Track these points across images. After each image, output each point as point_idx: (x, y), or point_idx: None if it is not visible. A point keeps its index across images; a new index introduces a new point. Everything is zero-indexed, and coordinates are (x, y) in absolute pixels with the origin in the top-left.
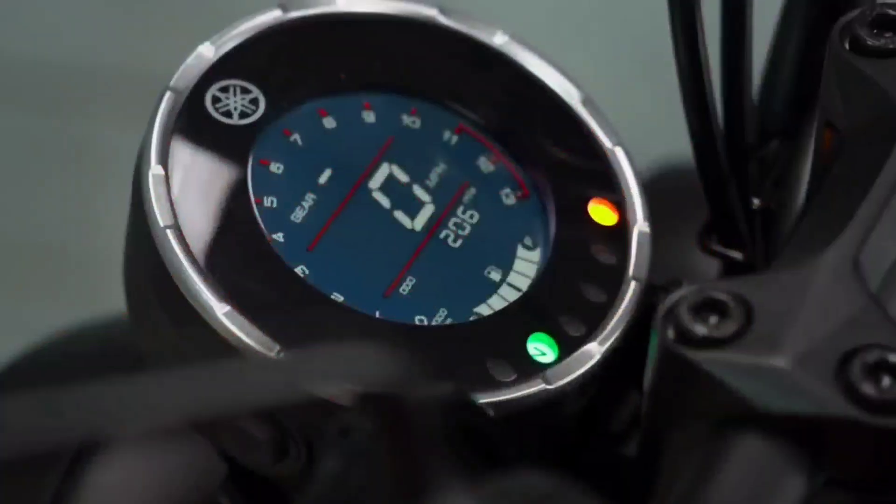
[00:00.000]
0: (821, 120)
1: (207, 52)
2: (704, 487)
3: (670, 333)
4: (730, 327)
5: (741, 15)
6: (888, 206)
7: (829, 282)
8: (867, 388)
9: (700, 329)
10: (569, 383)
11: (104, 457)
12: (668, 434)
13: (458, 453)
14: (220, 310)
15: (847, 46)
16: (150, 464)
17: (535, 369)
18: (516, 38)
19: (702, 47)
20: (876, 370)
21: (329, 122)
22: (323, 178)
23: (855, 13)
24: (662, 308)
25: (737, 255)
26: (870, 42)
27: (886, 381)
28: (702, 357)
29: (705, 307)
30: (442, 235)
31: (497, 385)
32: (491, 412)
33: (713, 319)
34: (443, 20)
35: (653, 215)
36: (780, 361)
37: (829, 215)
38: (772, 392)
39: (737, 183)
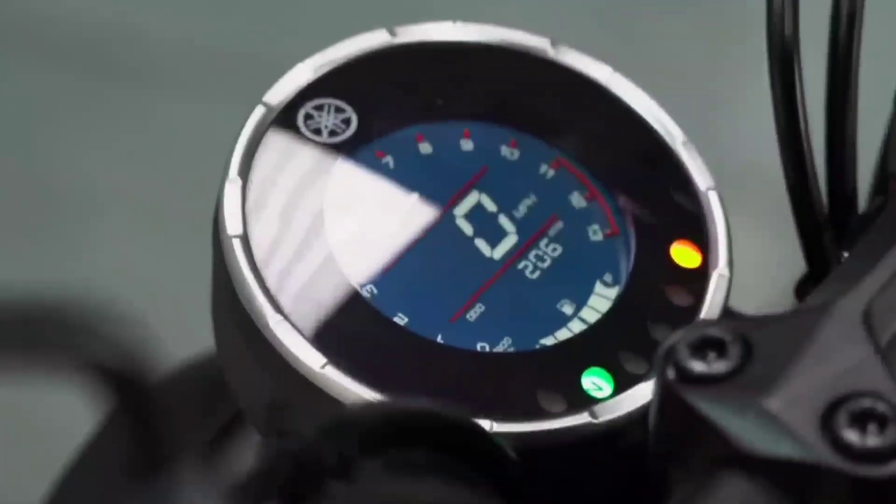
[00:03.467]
0: (891, 173)
1: (306, 70)
2: None
3: (670, 371)
4: (725, 365)
5: (847, 67)
6: None
7: (834, 329)
8: (850, 436)
9: (697, 366)
10: (617, 419)
11: None
12: (670, 471)
13: (467, 484)
14: (272, 320)
15: None
16: None
17: (587, 403)
18: (622, 74)
19: (800, 97)
20: (862, 419)
21: (425, 148)
22: (408, 201)
23: None
24: (664, 345)
25: None
26: None
27: (871, 430)
28: (694, 394)
29: (706, 345)
30: (520, 266)
31: (544, 416)
32: (504, 442)
33: (711, 357)
34: (552, 53)
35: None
36: (770, 403)
37: (855, 266)
38: (758, 433)
39: (835, 236)
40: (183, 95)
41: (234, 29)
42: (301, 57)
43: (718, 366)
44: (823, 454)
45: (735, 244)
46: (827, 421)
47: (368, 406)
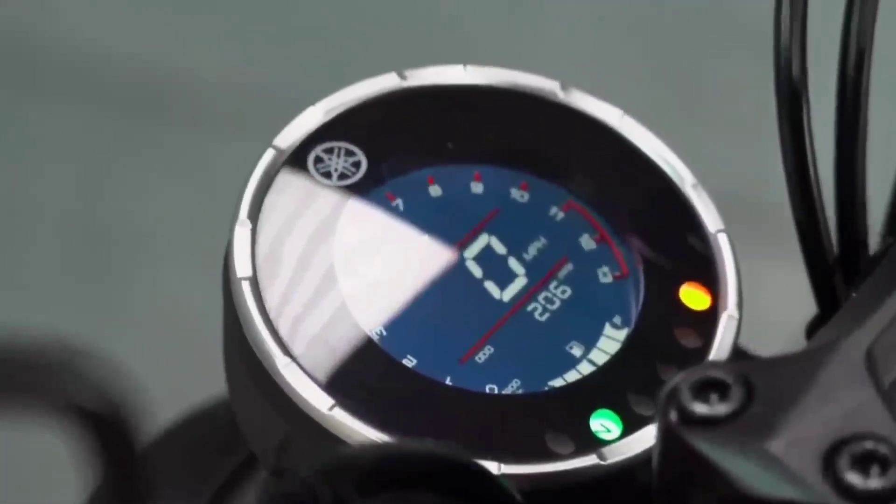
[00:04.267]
0: None
1: (316, 114)
2: None
3: (672, 413)
4: (727, 407)
5: (856, 108)
6: None
7: (837, 370)
8: (852, 478)
9: (699, 408)
10: (625, 461)
11: None
12: None
13: None
14: (281, 362)
15: None
16: None
17: (595, 445)
18: (632, 117)
19: (808, 138)
20: (865, 461)
21: (435, 190)
22: (417, 244)
23: None
24: (666, 387)
25: None
26: None
27: (874, 472)
28: (696, 436)
29: (708, 387)
30: (529, 308)
31: (551, 457)
32: (510, 485)
33: (713, 398)
34: (562, 96)
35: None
36: (772, 445)
37: (859, 306)
38: (760, 475)
39: (845, 277)
40: (233, 136)
41: (283, 70)
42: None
43: (720, 408)
44: (826, 496)
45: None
46: (829, 463)
47: (366, 446)
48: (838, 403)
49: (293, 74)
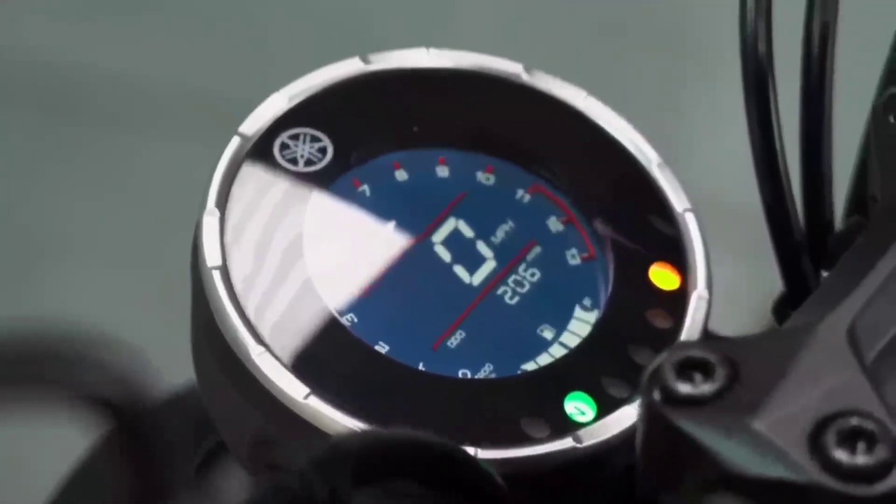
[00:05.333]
0: (868, 192)
1: (281, 100)
2: None
3: (655, 393)
4: (711, 386)
5: (821, 88)
6: (893, 279)
7: (819, 348)
8: (840, 455)
9: (683, 388)
10: (601, 444)
11: None
12: (659, 497)
13: None
14: (254, 351)
15: (892, 119)
16: None
17: (571, 428)
18: (597, 98)
19: (774, 117)
20: (851, 437)
21: (402, 175)
22: (385, 230)
23: None
24: (649, 367)
25: None
26: None
27: (860, 448)
28: (681, 416)
29: (692, 367)
30: (499, 292)
31: (527, 441)
32: (491, 470)
33: (697, 378)
34: (526, 78)
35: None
36: (757, 424)
37: (837, 285)
38: (746, 454)
39: (812, 257)
40: (152, 134)
41: (201, 68)
42: (269, 92)
43: (705, 387)
44: (813, 474)
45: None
46: (815, 441)
47: (354, 436)
48: (823, 381)
49: (210, 72)
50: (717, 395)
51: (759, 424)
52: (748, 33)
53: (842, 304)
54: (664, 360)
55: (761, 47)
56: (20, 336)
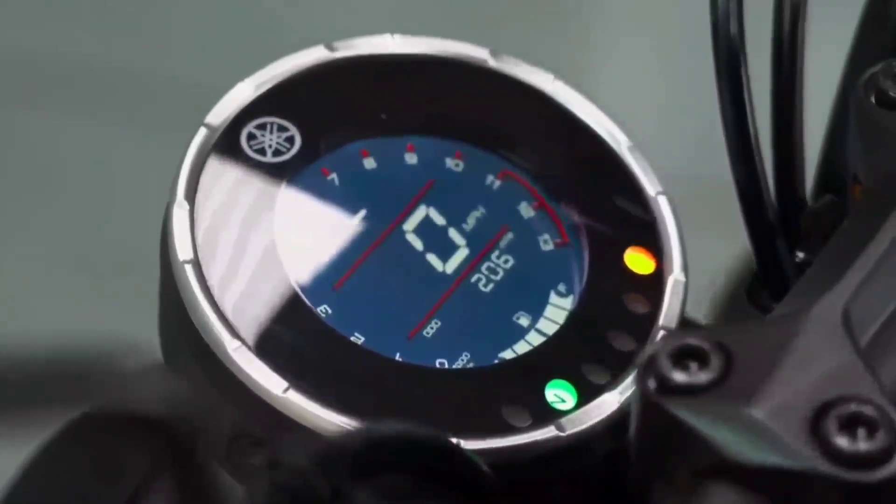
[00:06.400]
0: (849, 174)
1: (246, 89)
2: None
3: (650, 381)
4: (707, 375)
5: (792, 67)
6: (885, 261)
7: (814, 333)
8: (840, 442)
9: (679, 377)
10: (584, 431)
11: None
12: (652, 484)
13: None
14: (230, 346)
15: (873, 100)
16: None
17: (552, 416)
18: (566, 82)
19: (747, 98)
20: (851, 423)
21: (369, 163)
22: (356, 219)
23: (881, 65)
24: (643, 355)
25: None
26: (893, 94)
27: (861, 434)
28: (677, 405)
29: (686, 355)
30: (473, 279)
31: (510, 430)
32: (480, 461)
33: (692, 367)
34: (493, 63)
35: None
36: (755, 412)
37: (827, 269)
38: (745, 443)
39: (786, 237)
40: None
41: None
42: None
43: (701, 376)
44: (814, 461)
45: None
46: (815, 428)
47: (357, 434)
48: (819, 367)
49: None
50: (714, 384)
51: (758, 412)
52: (720, 12)
53: (834, 289)
54: (659, 348)
55: (733, 27)
56: (63, 355)
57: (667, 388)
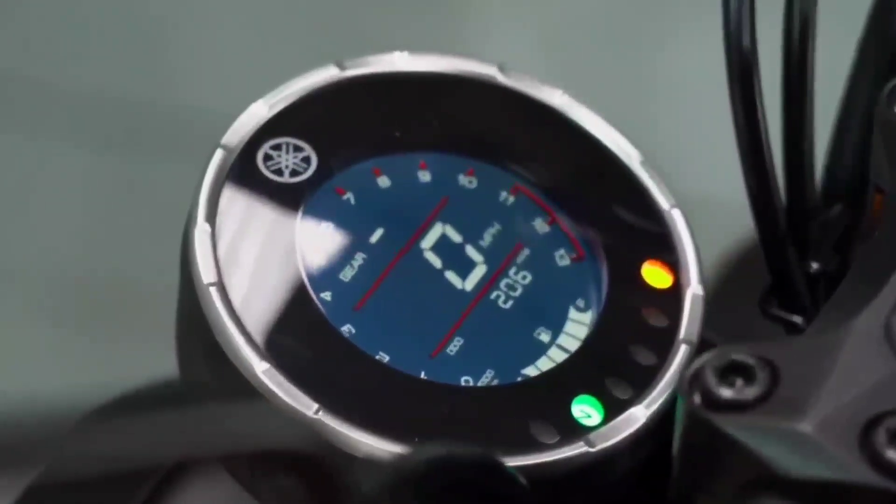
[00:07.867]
0: (872, 183)
1: (261, 110)
2: None
3: (696, 397)
4: (754, 391)
5: (802, 77)
6: None
7: (858, 346)
8: (891, 454)
9: (725, 392)
10: (612, 447)
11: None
12: (696, 498)
13: None
14: (259, 368)
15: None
16: None
17: (580, 432)
18: (576, 97)
19: (760, 108)
20: None
21: (383, 181)
22: (374, 238)
23: None
24: (689, 371)
25: (797, 319)
26: None
27: None
28: (725, 421)
29: (731, 370)
30: (493, 296)
31: (539, 447)
32: (523, 479)
33: (738, 383)
34: (502, 79)
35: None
36: (803, 426)
37: (865, 280)
38: (794, 457)
39: (796, 246)
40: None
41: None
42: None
43: (748, 391)
44: (864, 474)
45: None
46: (865, 441)
47: (420, 458)
48: (865, 380)
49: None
50: (760, 399)
51: (806, 426)
52: (732, 26)
53: (873, 302)
54: (704, 363)
55: (745, 40)
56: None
57: (713, 403)
